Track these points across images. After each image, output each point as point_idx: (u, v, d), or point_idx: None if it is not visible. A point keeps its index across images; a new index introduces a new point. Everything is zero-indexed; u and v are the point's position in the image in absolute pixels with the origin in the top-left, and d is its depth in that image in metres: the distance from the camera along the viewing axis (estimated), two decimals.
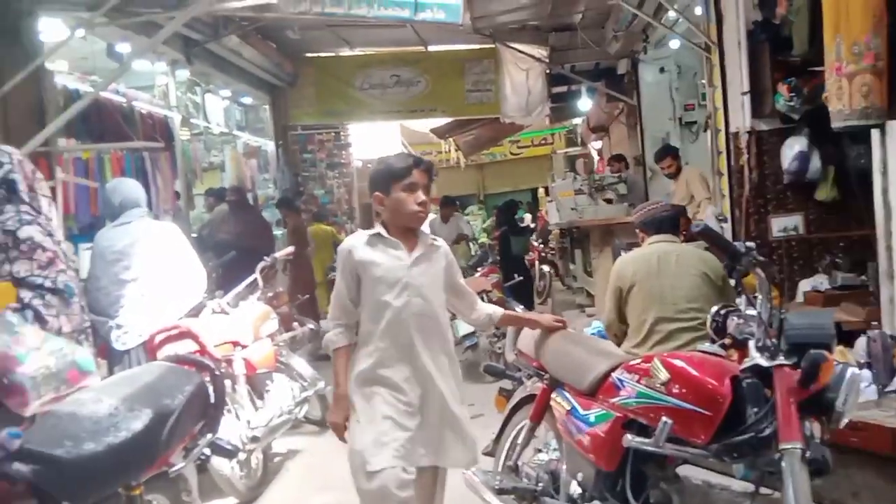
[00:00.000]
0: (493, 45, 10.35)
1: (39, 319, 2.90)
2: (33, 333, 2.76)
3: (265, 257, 5.28)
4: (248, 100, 10.59)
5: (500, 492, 2.91)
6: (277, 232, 10.21)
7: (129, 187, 4.34)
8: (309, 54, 10.53)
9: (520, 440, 3.16)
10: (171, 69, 7.88)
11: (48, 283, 2.93)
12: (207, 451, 2.61)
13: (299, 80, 10.62)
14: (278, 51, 9.73)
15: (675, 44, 8.59)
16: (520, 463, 3.14)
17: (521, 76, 10.51)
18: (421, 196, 2.65)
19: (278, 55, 9.77)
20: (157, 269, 4.01)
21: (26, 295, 2.88)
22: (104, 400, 2.23)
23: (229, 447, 2.68)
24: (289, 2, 6.69)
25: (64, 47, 5.88)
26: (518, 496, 2.93)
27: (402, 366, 2.62)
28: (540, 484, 2.91)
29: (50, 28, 5.99)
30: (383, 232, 2.67)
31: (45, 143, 5.35)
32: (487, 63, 10.66)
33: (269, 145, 10.87)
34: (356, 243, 2.69)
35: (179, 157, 7.42)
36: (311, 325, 6.32)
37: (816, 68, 4.24)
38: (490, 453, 3.31)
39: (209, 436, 2.57)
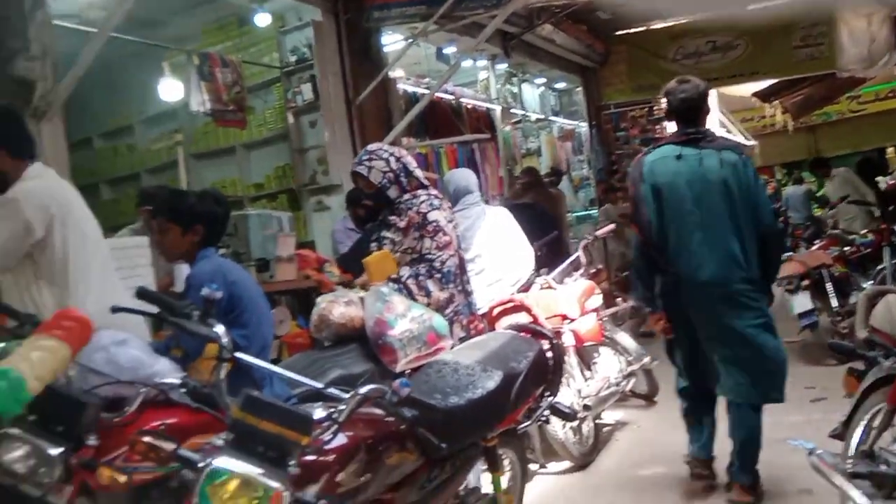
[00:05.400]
0: None
1: (410, 295, 3.36)
2: (400, 301, 3.23)
3: (587, 235, 5.45)
4: (561, 84, 10.90)
5: (853, 476, 2.70)
6: (592, 211, 10.39)
7: (463, 176, 4.79)
8: (619, 32, 10.49)
9: (875, 424, 2.88)
10: (491, 63, 8.44)
11: (437, 263, 3.37)
12: (548, 413, 2.82)
13: (610, 58, 10.65)
14: (589, 32, 9.85)
15: None
16: (876, 448, 2.87)
17: (862, 23, 9.30)
18: None
19: (589, 37, 9.90)
20: (492, 249, 4.39)
21: (404, 273, 3.36)
22: (462, 362, 2.55)
23: (568, 410, 2.87)
24: None
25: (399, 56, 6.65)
26: (875, 482, 2.68)
27: None
28: None
29: (390, 41, 6.81)
30: None
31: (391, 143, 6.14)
32: (818, 14, 9.60)
33: (583, 127, 11.07)
34: None
35: (501, 146, 7.94)
36: (631, 302, 6.36)
37: None
38: (838, 436, 3.08)
39: (550, 399, 2.78)
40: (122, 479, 1.99)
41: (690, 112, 3.59)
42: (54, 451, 1.74)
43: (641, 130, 11.12)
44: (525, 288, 4.60)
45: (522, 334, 2.93)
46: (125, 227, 4.68)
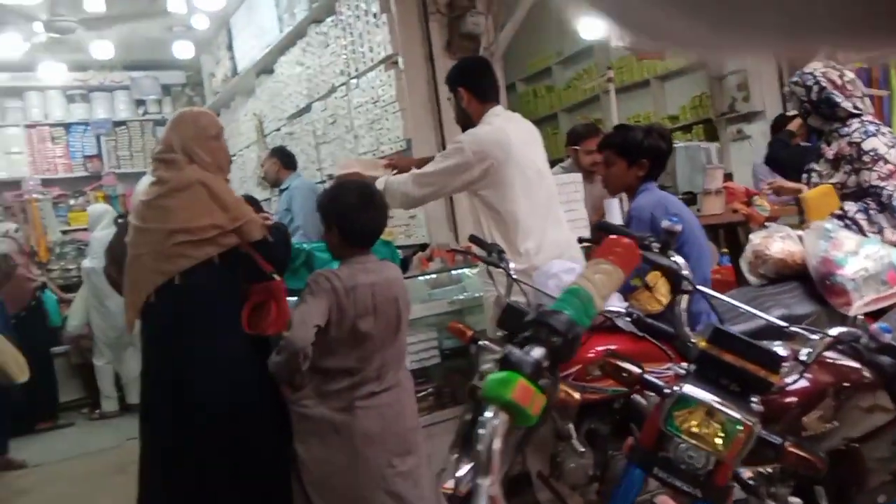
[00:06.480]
0: None
1: (860, 232, 3.01)
2: (848, 237, 2.91)
3: None
4: None
5: None
6: None
7: None
8: None
9: None
10: None
11: (884, 197, 3.00)
12: None
13: None
14: None
15: None
16: None
17: None
18: None
19: None
20: None
21: (851, 208, 3.03)
22: None
23: None
24: None
25: None
26: None
27: None
28: None
29: None
30: None
31: None
32: None
33: None
34: None
35: None
36: None
37: None
38: None
39: None
40: (577, 395, 2.18)
41: None
42: None
43: None
44: None
45: None
46: (553, 164, 4.97)
